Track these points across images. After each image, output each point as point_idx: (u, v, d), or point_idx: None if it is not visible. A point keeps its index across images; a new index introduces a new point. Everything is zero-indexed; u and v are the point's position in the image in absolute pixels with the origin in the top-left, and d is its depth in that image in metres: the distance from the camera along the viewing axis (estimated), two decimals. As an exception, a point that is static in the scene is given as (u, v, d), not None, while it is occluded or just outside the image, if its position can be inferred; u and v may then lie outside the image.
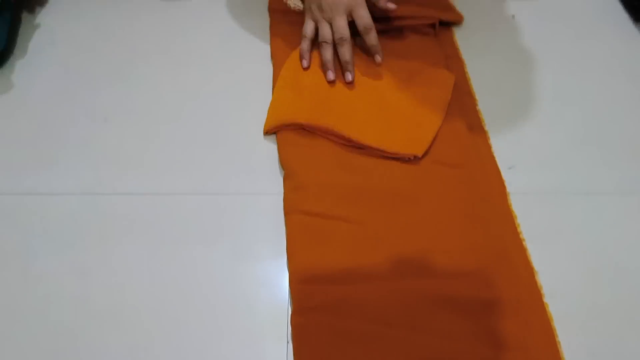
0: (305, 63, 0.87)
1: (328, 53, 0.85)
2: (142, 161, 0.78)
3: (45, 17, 0.96)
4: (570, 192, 0.75)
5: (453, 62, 0.89)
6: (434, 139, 0.78)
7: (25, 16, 0.96)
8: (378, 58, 0.86)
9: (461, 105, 0.83)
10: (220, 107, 0.84)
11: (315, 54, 0.87)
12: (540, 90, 0.87)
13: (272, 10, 0.96)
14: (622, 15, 0.99)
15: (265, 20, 0.96)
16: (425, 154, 0.77)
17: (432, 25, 0.92)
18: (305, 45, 0.87)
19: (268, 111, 0.81)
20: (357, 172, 0.75)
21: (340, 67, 0.86)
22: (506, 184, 0.75)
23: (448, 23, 0.95)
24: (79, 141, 0.80)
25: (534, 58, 0.91)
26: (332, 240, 0.69)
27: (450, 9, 0.96)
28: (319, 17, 0.87)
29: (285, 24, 0.93)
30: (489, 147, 0.79)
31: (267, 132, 0.80)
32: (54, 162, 0.77)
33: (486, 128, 0.81)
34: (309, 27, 0.87)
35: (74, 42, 0.92)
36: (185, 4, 0.99)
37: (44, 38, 0.93)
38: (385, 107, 0.81)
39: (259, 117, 0.82)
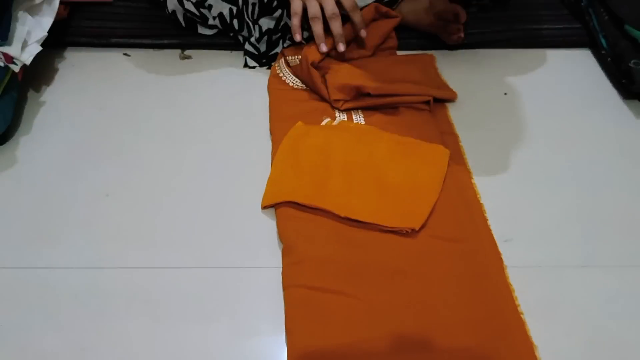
0: (298, 37, 0.98)
1: (319, 27, 0.97)
2: (142, 236, 0.78)
3: (50, 95, 0.99)
4: (567, 265, 0.76)
5: (448, 137, 0.91)
6: (431, 213, 0.79)
7: (31, 94, 0.98)
8: (364, 33, 0.99)
9: (456, 179, 0.84)
10: (220, 182, 0.85)
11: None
12: (534, 164, 0.89)
13: (271, 89, 0.99)
14: (612, 92, 1.02)
15: (264, 98, 0.98)
16: (422, 227, 0.77)
17: (427, 102, 0.95)
18: (297, 21, 0.97)
19: (266, 187, 0.83)
20: (355, 246, 0.76)
21: (333, 40, 0.97)
22: (503, 257, 0.76)
23: (442, 100, 0.97)
24: (80, 216, 0.80)
25: (527, 133, 0.93)
26: (332, 315, 0.69)
27: (444, 86, 0.99)
28: None
29: (283, 102, 0.96)
30: (485, 220, 0.80)
31: (265, 208, 0.81)
32: (55, 236, 0.78)
33: (482, 201, 0.82)
34: (297, 5, 0.97)
35: (77, 119, 0.95)
36: (187, 83, 1.02)
37: (49, 115, 0.95)
38: (382, 183, 0.82)
39: (258, 191, 0.83)
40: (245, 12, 1.03)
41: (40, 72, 1.02)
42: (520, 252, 0.77)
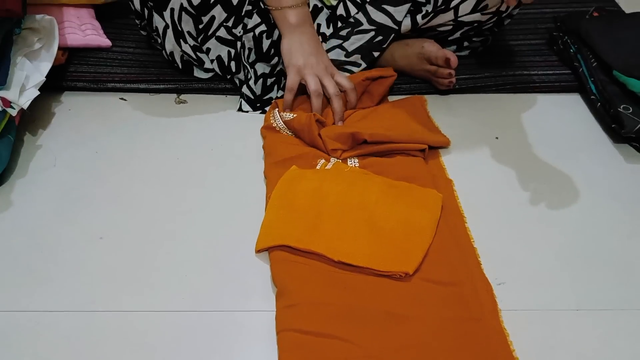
0: (288, 112, 0.99)
1: (320, 103, 0.99)
2: (136, 278, 0.78)
3: (46, 139, 0.99)
4: (560, 309, 0.76)
5: (440, 181, 0.92)
6: (424, 256, 0.79)
7: (27, 137, 0.99)
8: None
9: (450, 223, 0.85)
10: (214, 225, 0.86)
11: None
12: (526, 208, 0.89)
13: (265, 134, 1.00)
14: (602, 136, 1.03)
15: (258, 142, 0.99)
16: (416, 271, 0.77)
17: (422, 150, 0.96)
18: (290, 96, 1.00)
19: (260, 231, 0.83)
20: (349, 290, 0.75)
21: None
22: (497, 300, 0.76)
23: (436, 147, 0.98)
24: (74, 258, 0.80)
25: (519, 177, 0.94)
26: None
27: (438, 133, 1.00)
28: (308, 72, 0.99)
29: (278, 145, 0.97)
30: (478, 264, 0.80)
31: (259, 252, 0.81)
32: (48, 279, 0.78)
33: (475, 245, 0.83)
34: (294, 81, 0.99)
35: (73, 162, 0.95)
36: (182, 127, 1.03)
37: (45, 159, 0.96)
38: (376, 227, 0.82)
39: (252, 235, 0.83)
40: (242, 54, 1.05)
41: (37, 116, 1.03)
42: (514, 295, 0.77)
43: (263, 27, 1.04)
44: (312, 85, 0.98)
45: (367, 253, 0.79)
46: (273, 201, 0.86)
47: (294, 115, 0.98)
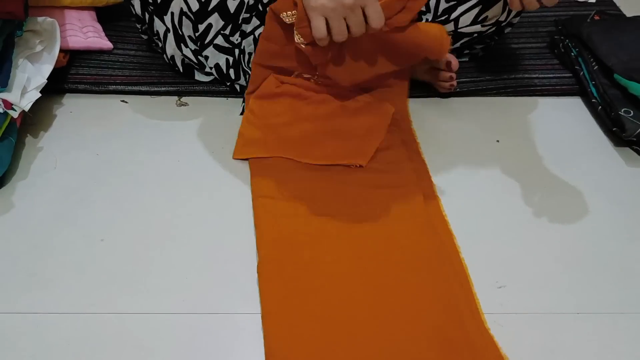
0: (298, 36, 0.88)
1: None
2: (136, 281, 0.78)
3: (47, 141, 0.99)
4: (560, 312, 0.76)
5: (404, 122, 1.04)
6: (375, 151, 0.96)
7: (28, 139, 0.99)
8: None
9: (399, 129, 1.01)
10: (215, 228, 0.86)
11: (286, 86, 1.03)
12: (527, 211, 0.89)
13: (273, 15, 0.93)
14: (603, 140, 1.03)
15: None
16: (370, 162, 0.94)
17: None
18: (325, 43, 0.84)
19: (237, 142, 0.99)
20: (314, 170, 0.93)
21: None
22: (497, 304, 0.76)
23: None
24: (74, 261, 0.80)
25: (520, 180, 0.94)
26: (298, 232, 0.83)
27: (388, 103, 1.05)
28: (333, 17, 0.81)
29: (275, 38, 0.97)
30: (422, 162, 0.96)
31: (235, 159, 0.97)
32: (49, 281, 0.78)
33: (475, 248, 0.83)
34: (321, 25, 0.82)
35: (74, 165, 0.95)
36: (183, 129, 1.03)
37: (46, 161, 0.96)
38: (337, 132, 0.99)
39: (249, 239, 0.83)
40: (242, 60, 1.05)
41: (38, 118, 1.03)
42: (514, 298, 0.77)
43: (262, 29, 1.04)
44: (336, 35, 0.83)
45: (329, 152, 0.95)
46: (248, 115, 1.01)
47: (305, 46, 0.89)
